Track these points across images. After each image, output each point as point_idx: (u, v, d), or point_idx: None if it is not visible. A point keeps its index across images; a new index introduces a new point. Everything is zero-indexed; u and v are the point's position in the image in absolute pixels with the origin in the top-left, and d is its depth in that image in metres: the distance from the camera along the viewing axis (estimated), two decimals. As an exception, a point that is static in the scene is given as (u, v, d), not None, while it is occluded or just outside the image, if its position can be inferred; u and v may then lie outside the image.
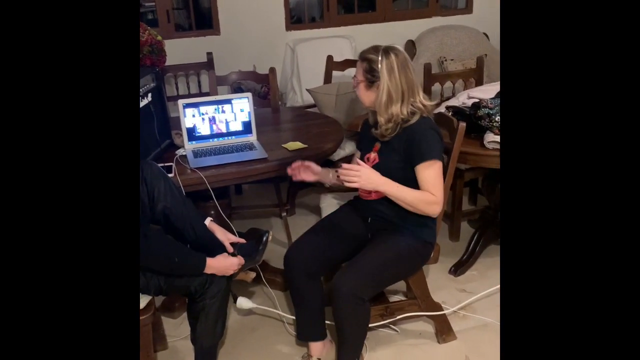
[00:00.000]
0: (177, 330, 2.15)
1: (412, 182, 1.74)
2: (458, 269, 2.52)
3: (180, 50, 3.65)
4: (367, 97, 1.76)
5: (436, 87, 3.05)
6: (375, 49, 1.72)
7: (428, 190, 1.70)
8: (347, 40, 3.92)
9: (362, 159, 1.83)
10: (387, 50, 1.70)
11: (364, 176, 1.63)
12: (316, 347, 1.90)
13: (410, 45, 4.11)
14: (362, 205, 1.89)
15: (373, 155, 1.79)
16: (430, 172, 1.70)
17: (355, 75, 1.78)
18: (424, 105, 1.74)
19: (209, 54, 3.57)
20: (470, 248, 2.59)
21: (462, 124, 1.85)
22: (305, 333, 1.91)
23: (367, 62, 1.72)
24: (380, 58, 1.68)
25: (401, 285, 2.21)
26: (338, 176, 1.71)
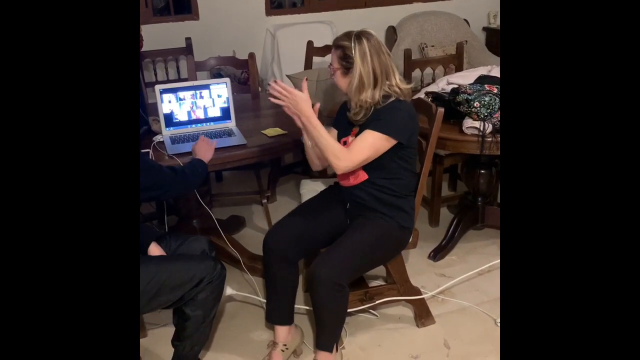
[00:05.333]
0: (156, 318, 2.14)
1: (387, 167, 1.75)
2: (437, 254, 2.54)
3: (158, 35, 3.60)
4: (344, 83, 1.75)
5: (416, 73, 3.04)
6: (347, 35, 1.71)
7: (350, 149, 1.68)
8: (328, 25, 3.90)
9: (339, 141, 1.83)
10: (359, 36, 1.69)
11: (293, 101, 1.64)
12: (282, 331, 1.90)
13: (391, 32, 4.10)
14: (340, 191, 1.89)
15: (351, 139, 1.79)
16: (366, 138, 1.68)
17: (331, 64, 1.77)
18: (400, 89, 1.74)
19: (188, 39, 3.52)
20: (450, 233, 2.61)
21: (440, 110, 1.85)
22: (274, 316, 1.91)
23: (341, 49, 1.71)
24: (353, 44, 1.68)
25: (381, 270, 2.22)
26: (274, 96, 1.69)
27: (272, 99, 1.68)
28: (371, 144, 1.68)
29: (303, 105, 1.64)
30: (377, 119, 1.70)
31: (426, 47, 3.95)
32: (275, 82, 1.66)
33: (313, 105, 1.69)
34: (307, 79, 1.73)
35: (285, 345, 1.89)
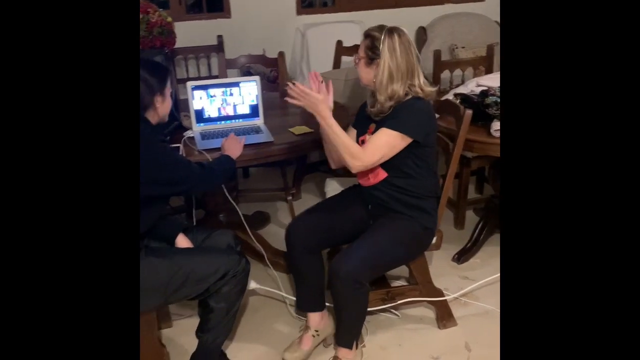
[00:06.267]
0: (182, 309, 2.19)
1: (405, 167, 1.76)
2: (461, 256, 2.54)
3: (190, 32, 3.66)
4: (365, 74, 1.77)
5: (446, 74, 3.03)
6: (380, 28, 1.73)
7: (365, 148, 1.69)
8: (358, 25, 3.90)
9: (357, 141, 1.84)
10: (391, 30, 1.71)
11: (310, 102, 1.66)
12: (314, 318, 1.94)
13: (422, 32, 4.09)
14: (362, 192, 1.90)
15: (368, 137, 1.80)
16: (381, 137, 1.69)
17: (357, 52, 1.78)
18: (422, 90, 1.74)
19: (219, 37, 3.57)
20: (475, 236, 2.60)
21: (469, 111, 1.85)
22: (304, 304, 1.95)
23: (370, 39, 1.72)
24: (383, 37, 1.69)
25: (404, 270, 2.23)
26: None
27: (290, 100, 1.70)
28: (385, 142, 1.69)
29: (319, 106, 1.66)
30: (393, 117, 1.71)
31: (456, 48, 3.93)
32: (294, 84, 1.68)
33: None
34: (323, 81, 1.75)
35: (317, 331, 1.93)
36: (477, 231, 2.61)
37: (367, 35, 1.74)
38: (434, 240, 1.93)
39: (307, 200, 3.14)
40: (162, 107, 1.65)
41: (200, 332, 1.75)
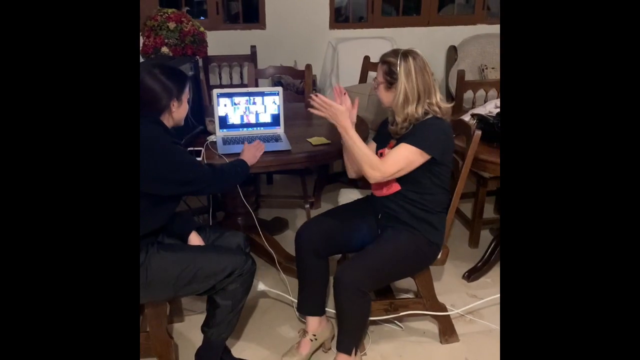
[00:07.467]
0: (195, 305, 2.29)
1: (420, 181, 1.81)
2: (472, 274, 2.55)
3: (226, 41, 3.81)
4: (386, 97, 1.84)
5: (469, 94, 3.06)
6: (394, 53, 1.80)
7: (384, 160, 1.75)
8: (389, 42, 3.97)
9: (376, 153, 1.91)
10: (405, 54, 1.77)
11: (332, 113, 1.74)
12: (313, 322, 2.01)
13: (452, 51, 4.12)
14: (374, 201, 1.96)
15: (387, 151, 1.87)
16: (401, 151, 1.75)
17: (375, 77, 1.86)
18: (439, 107, 1.80)
19: (253, 47, 3.70)
20: (487, 255, 2.61)
21: (478, 132, 1.89)
22: (305, 307, 2.03)
23: (387, 65, 1.80)
24: (399, 61, 1.76)
25: (412, 284, 2.26)
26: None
27: (312, 110, 1.78)
28: (405, 156, 1.75)
29: (340, 117, 1.74)
30: (413, 134, 1.77)
31: (486, 68, 3.94)
32: (317, 95, 1.77)
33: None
34: (346, 93, 1.83)
35: (314, 335, 2.00)
36: (489, 250, 2.62)
37: (384, 61, 1.82)
38: (439, 256, 1.97)
39: (325, 209, 3.19)
40: (177, 112, 1.74)
41: (205, 326, 1.84)
